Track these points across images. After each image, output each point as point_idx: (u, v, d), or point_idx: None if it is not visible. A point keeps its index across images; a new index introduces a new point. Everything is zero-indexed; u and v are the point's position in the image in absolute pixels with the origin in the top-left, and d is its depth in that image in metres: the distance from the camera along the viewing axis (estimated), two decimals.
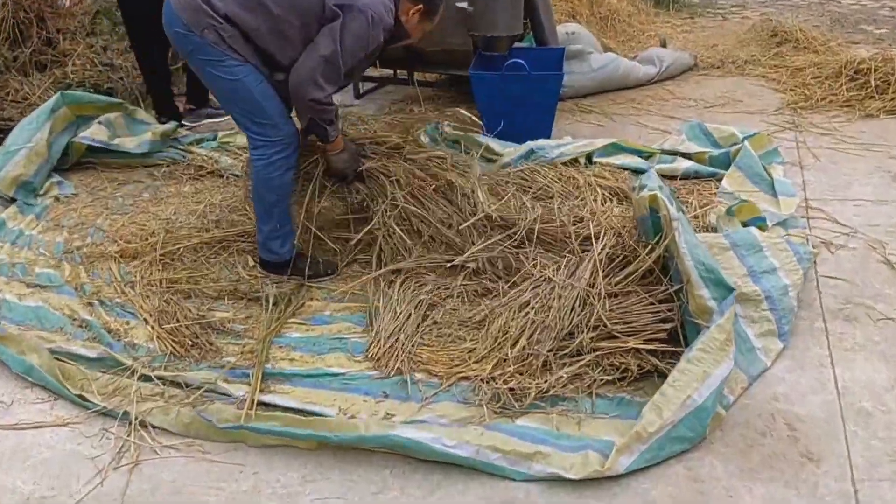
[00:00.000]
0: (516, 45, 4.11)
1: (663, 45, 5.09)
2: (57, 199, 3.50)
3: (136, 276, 2.79)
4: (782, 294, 2.38)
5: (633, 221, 2.53)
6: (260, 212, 2.69)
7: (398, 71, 4.69)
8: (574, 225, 2.71)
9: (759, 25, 5.46)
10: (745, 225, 2.83)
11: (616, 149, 3.54)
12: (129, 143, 3.78)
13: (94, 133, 3.74)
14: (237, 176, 3.65)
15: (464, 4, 3.88)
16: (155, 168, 3.80)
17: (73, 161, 3.79)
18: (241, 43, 2.45)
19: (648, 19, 6.21)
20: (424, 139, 3.88)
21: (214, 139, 3.99)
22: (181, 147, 3.92)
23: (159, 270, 2.82)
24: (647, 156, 3.55)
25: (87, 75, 4.48)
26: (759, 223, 2.86)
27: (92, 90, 4.35)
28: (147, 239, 3.04)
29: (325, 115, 2.52)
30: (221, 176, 3.67)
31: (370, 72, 4.79)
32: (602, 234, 2.55)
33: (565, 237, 2.63)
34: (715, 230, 2.79)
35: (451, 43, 4.34)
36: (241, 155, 3.84)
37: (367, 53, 2.55)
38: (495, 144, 3.68)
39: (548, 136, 3.91)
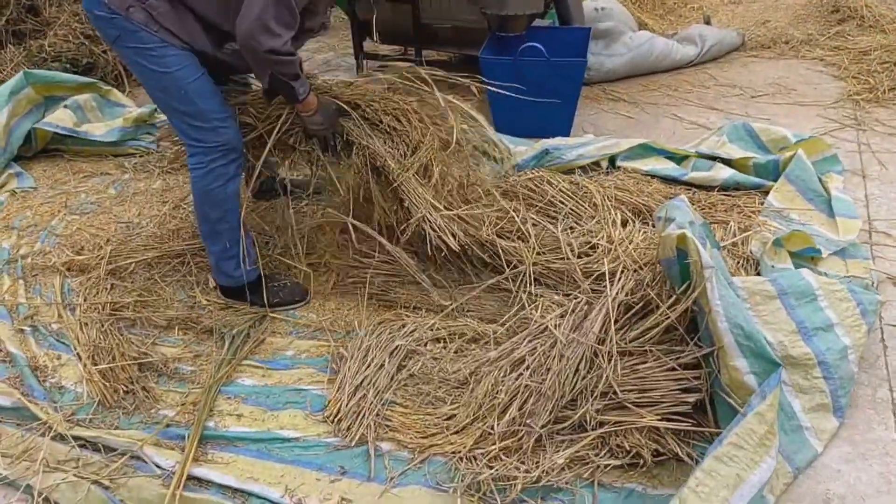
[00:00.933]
0: (536, 23, 3.61)
1: (707, 23, 4.52)
2: (14, 193, 3.15)
3: (79, 297, 2.43)
4: (840, 358, 1.91)
5: (657, 257, 2.07)
6: (205, 231, 2.30)
7: (406, 49, 4.23)
8: (586, 257, 2.27)
9: (817, 0, 4.83)
10: (794, 256, 2.36)
11: (644, 150, 3.05)
12: (98, 131, 3.40)
13: (58, 118, 3.37)
14: None
15: None
16: (127, 158, 3.42)
17: (38, 149, 3.42)
18: (174, 19, 2.04)
19: None
20: None
21: None
22: (157, 134, 3.52)
23: (106, 290, 2.45)
24: (681, 159, 3.06)
25: (66, 48, 4.09)
26: (813, 254, 2.38)
27: (69, 65, 3.98)
28: (100, 248, 2.67)
29: (287, 69, 2.09)
30: None
31: (375, 49, 4.32)
32: (618, 272, 2.11)
33: (573, 274, 2.19)
34: (757, 263, 2.32)
35: (463, 19, 3.86)
36: None
37: None
38: (505, 141, 3.22)
39: (567, 131, 3.44)
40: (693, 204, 2.71)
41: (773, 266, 2.24)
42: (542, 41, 3.46)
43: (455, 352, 2.10)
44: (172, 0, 2.04)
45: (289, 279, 2.46)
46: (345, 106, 2.36)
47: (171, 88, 2.10)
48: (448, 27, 3.89)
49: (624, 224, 2.52)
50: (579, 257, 2.30)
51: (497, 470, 1.73)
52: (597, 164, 3.02)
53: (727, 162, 2.97)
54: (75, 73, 3.96)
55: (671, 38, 4.34)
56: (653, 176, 2.93)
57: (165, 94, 2.13)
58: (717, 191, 2.84)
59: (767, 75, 4.09)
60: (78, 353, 2.19)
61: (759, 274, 2.26)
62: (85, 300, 2.40)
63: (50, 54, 4.03)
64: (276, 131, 2.31)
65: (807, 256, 2.39)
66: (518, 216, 2.41)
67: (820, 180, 2.79)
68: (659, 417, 1.79)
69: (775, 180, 2.81)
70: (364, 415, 1.93)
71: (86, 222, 2.91)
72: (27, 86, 3.39)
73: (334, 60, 4.45)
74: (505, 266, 2.27)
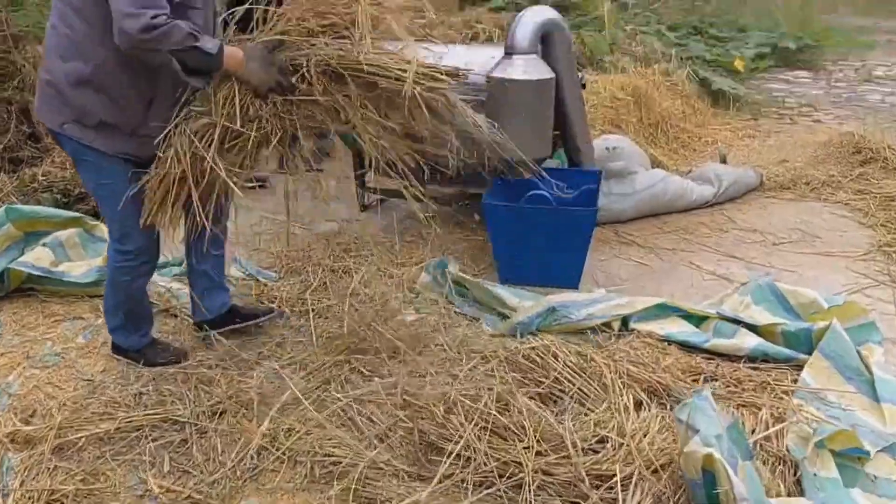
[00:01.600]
0: (544, 164, 3.44)
1: (723, 161, 4.37)
2: None
3: (17, 478, 2.13)
4: None
5: (679, 464, 1.77)
6: (107, 304, 2.63)
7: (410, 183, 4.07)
8: (594, 454, 1.96)
9: (837, 140, 4.67)
10: (838, 455, 2.03)
11: (660, 310, 2.79)
12: (77, 270, 3.20)
13: (35, 257, 3.18)
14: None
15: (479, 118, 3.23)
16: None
17: (10, 288, 3.20)
18: (103, 134, 2.26)
19: (705, 121, 5.50)
20: (425, 277, 3.23)
21: (181, 263, 3.39)
22: None
23: (49, 471, 2.16)
24: (701, 320, 2.79)
25: (61, 177, 3.96)
26: (860, 454, 2.06)
27: (59, 196, 3.84)
28: (52, 416, 2.40)
29: (175, 37, 2.03)
30: (175, 316, 3.04)
31: (376, 182, 4.17)
32: (633, 477, 1.80)
33: (579, 480, 1.87)
34: (796, 467, 1.99)
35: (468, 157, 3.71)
36: None
37: None
38: (509, 295, 2.97)
39: (576, 281, 3.20)
40: (717, 380, 2.43)
41: (815, 475, 1.92)
42: (549, 184, 3.29)
43: None
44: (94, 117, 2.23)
45: (172, 343, 2.77)
46: (276, 38, 2.22)
47: (103, 196, 2.41)
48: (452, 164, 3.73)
49: (638, 407, 2.22)
50: (586, 454, 1.99)
51: None
52: (608, 324, 2.76)
53: (753, 328, 2.69)
54: (66, 203, 3.83)
55: (686, 177, 4.17)
56: (670, 341, 2.66)
57: (98, 199, 2.50)
58: (743, 362, 2.55)
59: (789, 219, 3.87)
60: None
61: (798, 482, 1.94)
62: (21, 485, 2.10)
63: (42, 184, 3.90)
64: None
65: (852, 456, 2.06)
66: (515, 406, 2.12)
67: (858, 353, 2.49)
68: None
69: (808, 352, 2.51)
70: None
71: (45, 379, 2.65)
72: (7, 223, 3.23)
73: (335, 189, 4.30)
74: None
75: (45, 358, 2.79)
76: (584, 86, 3.75)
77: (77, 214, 3.48)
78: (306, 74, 2.17)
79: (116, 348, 2.72)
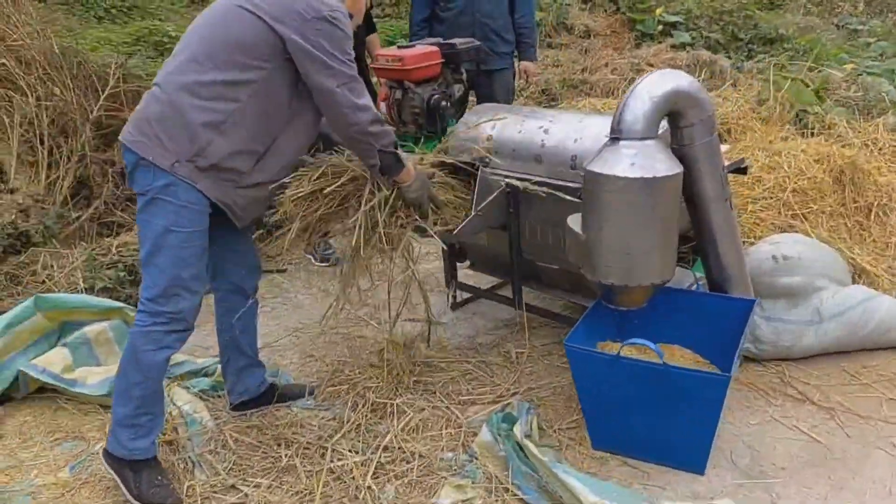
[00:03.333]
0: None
1: None
2: None
3: None
4: None
5: None
6: (119, 388, 2.23)
7: (506, 284, 3.26)
8: None
9: None
10: None
11: None
12: (91, 378, 2.76)
13: (48, 361, 2.78)
14: (196, 465, 2.42)
15: (575, 223, 2.34)
16: None
17: (29, 391, 2.84)
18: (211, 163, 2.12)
19: None
20: (486, 434, 2.40)
21: (214, 373, 2.85)
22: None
23: None
24: None
25: (133, 249, 3.64)
26: None
27: (124, 274, 3.49)
28: None
29: (388, 139, 2.24)
30: (186, 459, 2.47)
31: (469, 279, 3.38)
32: None
33: None
34: None
35: (573, 263, 2.82)
36: (222, 414, 2.64)
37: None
38: (586, 490, 2.04)
39: (700, 465, 2.20)
40: None
41: None
42: (674, 314, 2.33)
43: None
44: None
45: (172, 483, 2.25)
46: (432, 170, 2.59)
47: (168, 245, 2.11)
48: (556, 269, 2.86)
49: None
50: None
51: None
52: None
53: None
54: (131, 281, 3.48)
55: None
56: None
57: (158, 248, 2.11)
58: None
59: None
60: None
61: None
62: None
63: (113, 257, 3.60)
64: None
65: None
66: None
67: None
68: None
69: None
70: None
71: None
72: (35, 313, 2.89)
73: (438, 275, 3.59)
74: None
75: (15, 499, 2.34)
76: (744, 170, 2.72)
77: (118, 304, 3.07)
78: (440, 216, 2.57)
79: (110, 457, 2.24)
